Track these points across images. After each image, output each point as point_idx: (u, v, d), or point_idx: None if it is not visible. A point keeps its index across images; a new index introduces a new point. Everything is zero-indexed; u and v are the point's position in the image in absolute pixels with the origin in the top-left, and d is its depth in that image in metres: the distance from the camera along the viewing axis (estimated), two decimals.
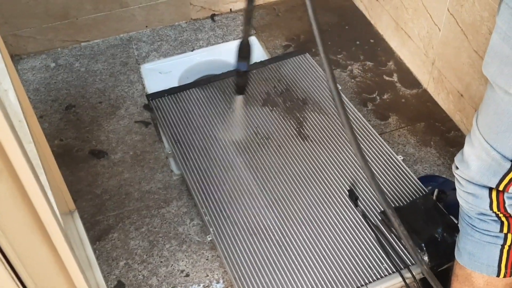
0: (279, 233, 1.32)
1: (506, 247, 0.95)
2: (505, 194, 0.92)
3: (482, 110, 0.90)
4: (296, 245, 1.29)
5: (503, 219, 0.94)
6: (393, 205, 1.35)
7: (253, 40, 2.05)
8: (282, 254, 1.28)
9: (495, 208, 0.93)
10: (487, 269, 0.98)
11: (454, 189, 1.01)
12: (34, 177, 0.44)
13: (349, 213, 1.35)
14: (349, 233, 1.31)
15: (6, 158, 0.41)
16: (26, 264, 0.49)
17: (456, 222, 1.26)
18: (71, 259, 0.52)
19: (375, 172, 1.43)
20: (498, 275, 0.97)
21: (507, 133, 0.85)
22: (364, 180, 1.42)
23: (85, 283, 0.55)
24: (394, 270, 1.23)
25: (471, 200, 0.96)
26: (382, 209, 1.34)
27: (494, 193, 0.92)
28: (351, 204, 1.36)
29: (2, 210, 0.45)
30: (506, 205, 0.92)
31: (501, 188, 0.90)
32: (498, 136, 0.86)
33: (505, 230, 0.95)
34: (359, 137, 1.52)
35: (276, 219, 1.35)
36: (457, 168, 0.97)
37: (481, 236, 0.97)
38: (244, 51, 1.41)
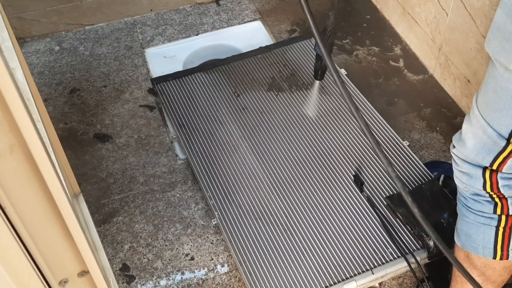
0: (284, 217, 1.32)
1: (501, 229, 0.96)
2: (499, 174, 0.92)
3: (482, 88, 0.90)
4: (301, 230, 1.29)
5: (497, 200, 0.94)
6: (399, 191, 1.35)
7: (259, 24, 2.04)
8: (287, 238, 1.28)
9: (488, 188, 0.94)
10: (483, 251, 0.98)
11: None
12: (46, 153, 0.44)
13: (354, 198, 1.35)
14: (354, 218, 1.31)
15: (19, 133, 0.41)
16: (37, 241, 0.49)
17: None
18: (82, 237, 0.52)
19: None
20: (495, 257, 0.98)
21: (504, 111, 0.85)
22: (369, 165, 1.42)
23: (94, 260, 0.55)
24: (399, 255, 1.23)
25: (465, 180, 0.96)
26: (389, 194, 1.34)
27: (487, 173, 0.92)
28: (357, 189, 1.36)
29: (13, 185, 0.45)
30: (499, 185, 0.93)
31: (494, 167, 0.91)
32: (495, 113, 0.87)
33: (498, 211, 0.95)
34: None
35: (281, 203, 1.35)
36: (454, 147, 0.98)
37: (475, 217, 0.98)
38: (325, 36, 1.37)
